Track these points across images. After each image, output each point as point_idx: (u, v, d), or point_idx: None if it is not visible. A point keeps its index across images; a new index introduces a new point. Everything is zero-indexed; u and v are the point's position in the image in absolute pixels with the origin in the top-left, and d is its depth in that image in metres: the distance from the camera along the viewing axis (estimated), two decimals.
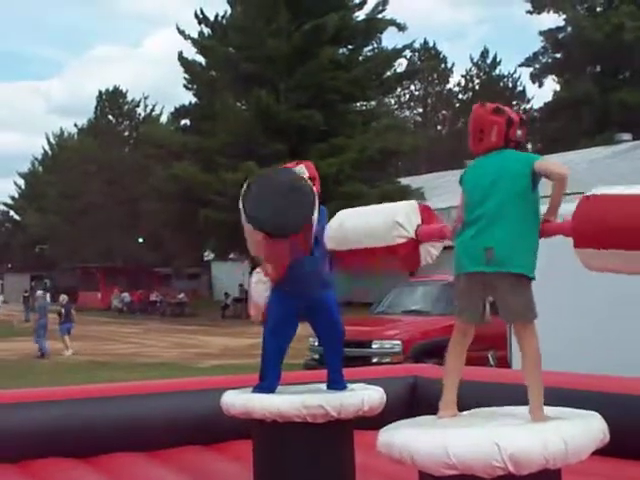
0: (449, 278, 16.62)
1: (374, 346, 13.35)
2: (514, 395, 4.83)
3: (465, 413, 4.37)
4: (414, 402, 6.98)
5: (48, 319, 24.66)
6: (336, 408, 4.78)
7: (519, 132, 4.13)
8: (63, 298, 26.38)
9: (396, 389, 6.80)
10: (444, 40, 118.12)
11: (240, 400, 4.95)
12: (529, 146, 69.28)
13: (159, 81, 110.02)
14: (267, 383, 5.05)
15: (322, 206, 4.85)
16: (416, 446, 3.72)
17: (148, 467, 6.00)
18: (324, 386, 5.19)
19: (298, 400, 4.78)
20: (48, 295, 28.33)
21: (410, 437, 3.82)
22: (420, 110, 76.31)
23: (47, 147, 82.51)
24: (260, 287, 5.20)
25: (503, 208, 3.94)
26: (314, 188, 4.68)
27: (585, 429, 3.80)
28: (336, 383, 5.14)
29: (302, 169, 4.85)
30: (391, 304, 15.72)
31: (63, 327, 24.72)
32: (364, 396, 4.97)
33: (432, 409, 4.79)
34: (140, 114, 70.55)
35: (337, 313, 5.16)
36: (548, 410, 4.16)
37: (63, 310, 25.25)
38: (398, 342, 13.27)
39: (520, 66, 66.72)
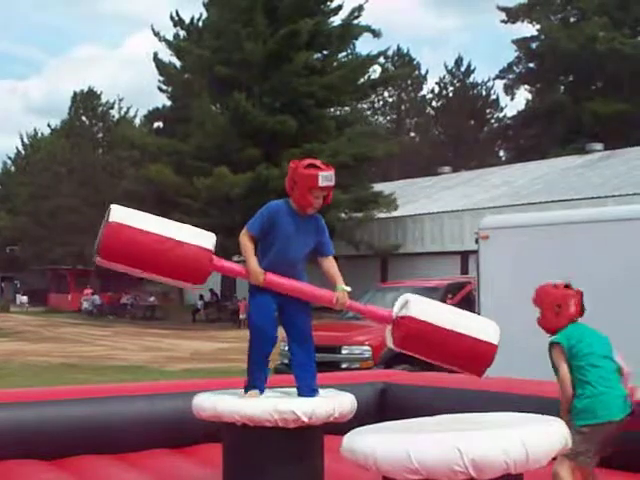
0: (419, 284, 16.69)
1: (344, 351, 13.35)
2: (485, 401, 4.87)
3: (431, 419, 4.41)
4: (383, 407, 7.01)
5: None
6: (307, 414, 4.76)
7: None
8: None
9: (365, 395, 6.81)
10: (419, 47, 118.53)
11: (211, 403, 4.94)
12: (501, 154, 69.77)
13: (137, 83, 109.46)
14: (257, 386, 5.04)
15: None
16: (379, 451, 3.75)
17: (116, 470, 5.97)
18: (294, 390, 5.16)
19: (270, 405, 4.77)
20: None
21: (373, 442, 3.85)
22: (394, 117, 76.49)
23: (21, 147, 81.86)
24: None
25: None
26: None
27: (547, 435, 3.84)
28: (309, 388, 5.07)
29: (332, 175, 4.91)
30: None
31: None
32: (335, 402, 4.95)
33: (401, 414, 4.82)
34: (114, 116, 70.12)
35: (308, 314, 5.16)
36: (511, 416, 4.20)
37: None
38: (368, 348, 13.26)
39: (494, 79, 67.52)
